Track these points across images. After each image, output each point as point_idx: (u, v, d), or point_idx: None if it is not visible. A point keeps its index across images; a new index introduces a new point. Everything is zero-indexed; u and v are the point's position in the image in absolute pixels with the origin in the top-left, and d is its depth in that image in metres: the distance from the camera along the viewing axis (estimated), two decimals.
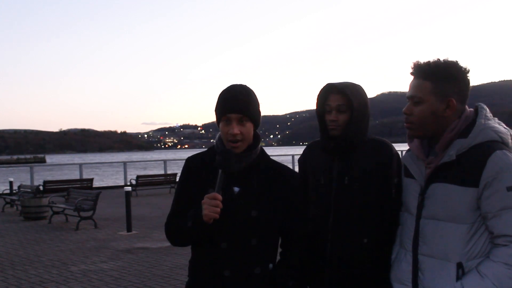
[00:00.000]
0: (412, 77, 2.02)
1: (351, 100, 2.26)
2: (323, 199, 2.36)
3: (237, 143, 2.01)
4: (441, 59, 1.97)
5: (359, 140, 2.32)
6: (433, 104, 1.95)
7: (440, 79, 1.94)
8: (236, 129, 2.00)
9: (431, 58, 1.99)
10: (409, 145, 2.13)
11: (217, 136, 2.14)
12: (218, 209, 1.89)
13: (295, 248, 2.14)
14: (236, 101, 2.01)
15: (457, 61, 1.96)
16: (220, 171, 1.94)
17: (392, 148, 2.35)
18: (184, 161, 2.20)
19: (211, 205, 1.88)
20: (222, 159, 1.94)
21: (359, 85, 2.36)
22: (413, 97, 1.98)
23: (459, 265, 1.87)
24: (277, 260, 2.14)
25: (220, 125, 2.05)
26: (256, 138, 2.11)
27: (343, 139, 2.30)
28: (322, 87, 2.38)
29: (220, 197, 1.90)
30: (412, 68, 2.01)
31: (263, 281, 2.03)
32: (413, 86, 1.99)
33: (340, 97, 2.29)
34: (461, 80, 1.96)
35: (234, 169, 1.99)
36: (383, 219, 2.26)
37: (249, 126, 2.04)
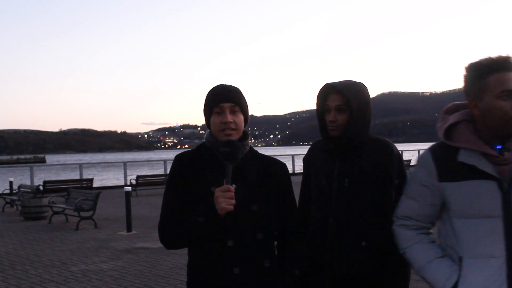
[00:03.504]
0: (504, 72, 1.86)
1: (350, 100, 2.24)
2: (323, 200, 2.34)
3: (231, 131, 2.02)
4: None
5: (360, 140, 2.29)
6: None
7: None
8: (229, 117, 2.02)
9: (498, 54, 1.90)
10: (462, 144, 1.93)
11: (206, 134, 2.13)
12: (234, 201, 1.89)
13: (295, 238, 2.14)
14: (228, 92, 2.06)
15: None
16: (227, 163, 1.93)
17: (394, 149, 2.31)
18: None
19: (226, 197, 1.88)
20: (230, 149, 1.93)
21: (360, 84, 2.32)
22: None
23: None
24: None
25: (212, 118, 2.06)
26: (244, 133, 2.12)
27: (342, 139, 2.28)
28: (321, 86, 2.36)
29: (233, 189, 1.90)
30: (506, 61, 1.85)
31: (273, 273, 2.04)
32: None
33: (339, 97, 2.27)
34: None
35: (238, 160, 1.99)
36: (383, 222, 2.23)
37: (241, 118, 2.07)
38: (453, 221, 1.94)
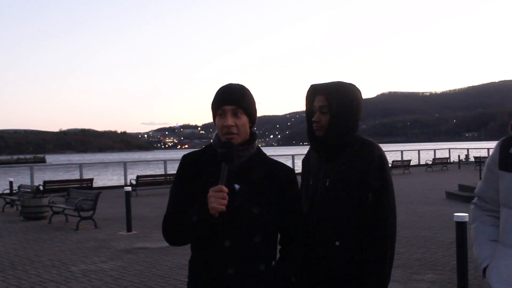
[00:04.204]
0: None
1: (329, 101, 2.27)
2: (309, 199, 2.38)
3: (232, 135, 2.02)
4: None
5: (342, 141, 2.30)
6: None
7: None
8: (230, 120, 2.01)
9: None
10: None
11: (214, 135, 2.15)
12: (225, 201, 1.89)
13: (295, 244, 2.14)
14: (230, 94, 2.04)
15: None
16: (223, 163, 1.94)
17: (374, 151, 2.28)
18: None
19: (218, 197, 1.89)
20: (225, 150, 1.95)
21: (347, 85, 2.33)
22: None
23: None
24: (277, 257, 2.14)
25: (216, 120, 2.07)
26: (252, 135, 2.12)
27: (324, 140, 2.32)
28: (308, 88, 2.41)
29: (226, 189, 1.90)
30: None
31: (268, 277, 2.04)
32: None
33: (322, 98, 2.31)
34: None
35: (235, 162, 1.99)
36: (358, 223, 2.24)
37: (244, 120, 2.06)
38: (500, 209, 2.07)
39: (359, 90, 2.36)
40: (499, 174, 2.05)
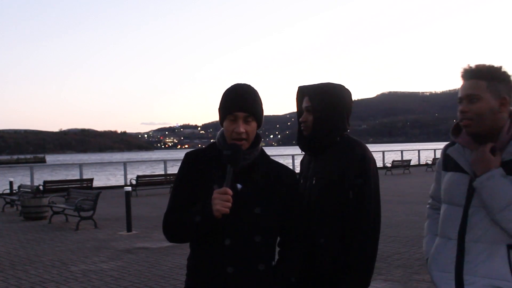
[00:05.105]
0: (462, 81, 2.13)
1: (312, 102, 2.33)
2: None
3: (241, 141, 2.03)
4: (487, 63, 2.11)
5: (326, 140, 2.34)
6: (490, 101, 2.05)
7: (493, 79, 2.06)
8: (242, 128, 2.02)
9: (477, 62, 2.13)
10: (457, 140, 2.19)
11: (218, 134, 2.15)
12: (230, 204, 1.90)
13: (295, 245, 2.14)
14: (244, 100, 2.03)
15: (502, 66, 2.11)
16: (228, 166, 1.95)
17: (355, 149, 2.31)
18: None
19: (223, 199, 1.89)
20: (232, 153, 1.95)
21: (333, 86, 2.37)
22: (470, 96, 2.06)
23: (510, 247, 2.00)
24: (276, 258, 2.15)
25: (225, 123, 2.06)
26: (257, 137, 2.13)
27: (309, 139, 2.37)
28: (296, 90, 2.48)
29: (231, 192, 1.91)
30: (464, 72, 2.11)
31: (267, 277, 2.04)
32: (467, 86, 2.08)
33: (308, 99, 2.37)
34: (510, 82, 2.10)
35: (240, 165, 2.00)
36: (342, 221, 2.26)
37: (254, 126, 2.07)
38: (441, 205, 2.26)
39: (347, 91, 2.40)
40: (442, 175, 2.26)
